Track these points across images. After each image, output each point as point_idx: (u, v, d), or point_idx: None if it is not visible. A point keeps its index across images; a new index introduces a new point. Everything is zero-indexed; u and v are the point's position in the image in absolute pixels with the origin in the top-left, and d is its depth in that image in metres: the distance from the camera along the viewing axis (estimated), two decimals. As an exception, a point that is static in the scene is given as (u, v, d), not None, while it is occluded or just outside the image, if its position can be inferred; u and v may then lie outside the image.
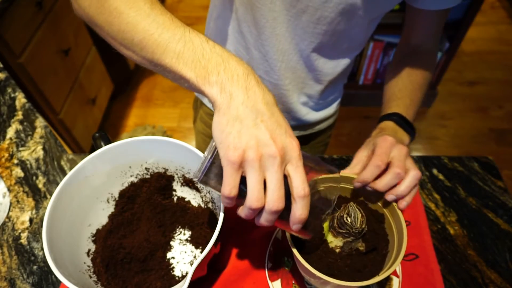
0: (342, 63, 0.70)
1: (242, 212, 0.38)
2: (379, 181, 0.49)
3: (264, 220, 0.38)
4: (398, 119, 0.61)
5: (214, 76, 0.36)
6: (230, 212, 0.62)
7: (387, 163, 0.50)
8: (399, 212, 0.49)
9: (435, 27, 0.69)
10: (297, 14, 0.59)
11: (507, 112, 2.02)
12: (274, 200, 0.36)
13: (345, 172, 0.53)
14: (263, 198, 0.36)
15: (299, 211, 0.37)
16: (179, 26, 0.39)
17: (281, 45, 0.65)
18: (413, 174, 0.49)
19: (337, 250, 0.48)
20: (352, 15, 0.59)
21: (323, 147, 0.95)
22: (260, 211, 0.38)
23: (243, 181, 0.36)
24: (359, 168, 0.53)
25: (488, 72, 2.21)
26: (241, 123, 0.35)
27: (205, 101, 0.87)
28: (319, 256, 0.47)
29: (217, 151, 0.37)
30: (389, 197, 0.49)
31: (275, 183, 0.35)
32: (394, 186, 0.49)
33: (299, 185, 0.36)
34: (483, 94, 2.11)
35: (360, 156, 0.54)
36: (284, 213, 0.38)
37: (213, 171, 0.40)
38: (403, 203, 0.49)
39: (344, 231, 0.46)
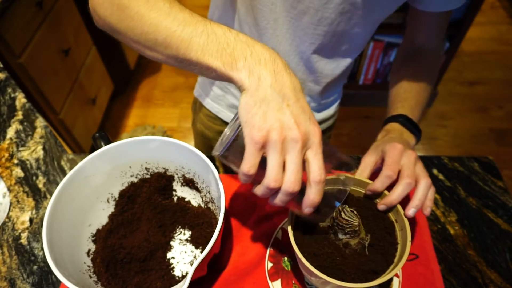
0: (342, 64, 0.70)
1: (258, 190, 0.40)
2: (391, 194, 0.49)
3: (278, 200, 0.39)
4: (404, 120, 0.61)
5: (241, 61, 0.37)
6: (230, 212, 0.62)
7: (398, 172, 0.50)
8: (402, 213, 0.49)
9: (439, 28, 0.69)
10: (297, 15, 0.59)
11: (507, 112, 2.02)
12: (291, 182, 0.37)
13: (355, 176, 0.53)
14: (281, 179, 0.37)
15: (313, 195, 0.38)
16: (200, 20, 0.40)
17: (281, 46, 0.65)
18: (424, 183, 0.49)
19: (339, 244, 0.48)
20: (353, 16, 0.59)
21: None
22: (276, 192, 0.39)
23: (262, 161, 0.38)
24: (367, 174, 0.53)
25: (488, 72, 2.21)
26: (268, 106, 0.36)
27: (205, 102, 0.87)
28: (321, 255, 0.47)
29: (240, 130, 0.38)
30: (411, 211, 0.48)
31: (294, 166, 0.37)
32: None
33: (316, 171, 0.37)
34: (483, 94, 2.11)
35: (368, 161, 0.54)
36: (299, 196, 0.39)
37: (233, 147, 0.41)
38: (411, 210, 0.49)
39: (343, 230, 0.47)
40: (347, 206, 0.47)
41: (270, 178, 0.37)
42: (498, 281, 0.55)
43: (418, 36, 0.71)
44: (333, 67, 0.70)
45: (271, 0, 0.59)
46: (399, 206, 0.49)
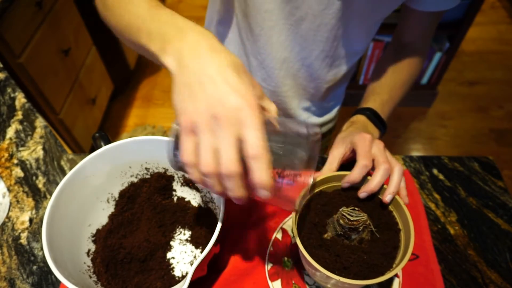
0: (343, 69, 0.70)
1: (192, 176, 0.36)
2: (372, 181, 0.50)
3: (230, 191, 0.35)
4: (370, 114, 0.62)
5: (171, 46, 0.36)
6: (230, 212, 0.62)
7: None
8: (407, 212, 0.48)
9: (428, 28, 0.68)
10: (296, 22, 0.59)
11: (507, 112, 2.02)
12: (224, 163, 0.33)
13: (324, 172, 0.54)
14: (214, 163, 0.33)
15: (256, 173, 0.33)
16: (159, 9, 0.41)
17: (278, 53, 0.64)
18: (397, 169, 0.50)
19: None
20: (353, 20, 0.59)
21: (322, 151, 0.95)
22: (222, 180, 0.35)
23: None
24: (336, 166, 0.54)
25: (488, 72, 2.20)
26: (190, 89, 0.34)
27: None
28: (324, 252, 0.47)
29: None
30: (387, 197, 0.49)
31: (224, 144, 0.32)
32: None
33: (250, 145, 0.32)
34: (483, 94, 2.11)
35: (336, 154, 0.54)
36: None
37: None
38: (388, 196, 0.49)
39: (356, 230, 0.47)
40: (345, 207, 0.47)
41: (200, 162, 0.33)
42: (498, 281, 0.55)
43: (406, 34, 0.70)
44: (335, 72, 0.70)
45: (264, 8, 0.58)
46: (401, 202, 0.49)
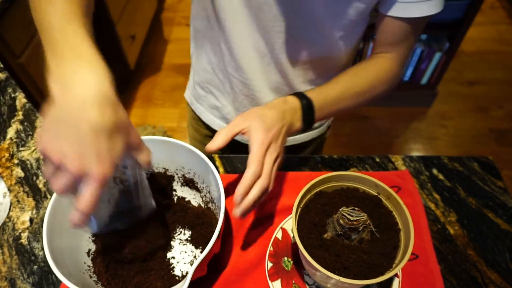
0: (318, 72, 0.68)
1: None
2: (245, 200, 0.47)
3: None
4: (306, 105, 0.57)
5: (55, 73, 0.38)
6: (230, 212, 0.62)
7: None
8: (407, 212, 0.49)
9: (398, 37, 0.61)
10: (255, 11, 0.58)
11: (507, 112, 2.02)
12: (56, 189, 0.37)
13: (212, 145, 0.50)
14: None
15: (75, 213, 0.37)
16: (69, 22, 0.41)
17: (242, 41, 0.63)
18: (260, 185, 0.48)
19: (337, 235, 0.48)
20: (312, 24, 0.59)
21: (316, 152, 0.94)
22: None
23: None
24: (222, 142, 0.50)
25: (488, 72, 2.21)
26: (57, 123, 0.36)
27: (191, 103, 0.87)
28: (324, 252, 0.48)
29: None
30: (234, 212, 0.48)
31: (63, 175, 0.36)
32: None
33: (82, 201, 0.36)
34: (483, 94, 2.11)
35: (230, 130, 0.50)
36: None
37: None
38: (233, 211, 0.48)
39: (356, 230, 0.47)
40: (345, 207, 0.47)
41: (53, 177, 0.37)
42: (498, 281, 0.55)
43: (375, 40, 0.65)
44: (305, 73, 0.68)
45: None
46: (402, 204, 0.49)
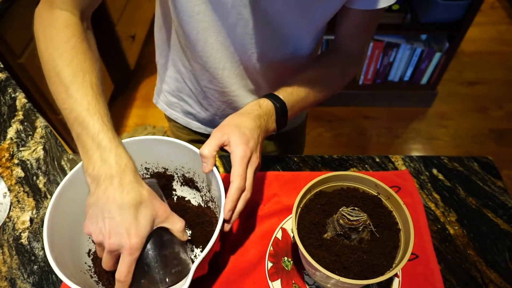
0: (289, 70, 0.69)
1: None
2: (225, 206, 0.49)
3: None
4: (279, 108, 0.58)
5: (91, 168, 0.44)
6: (230, 212, 0.62)
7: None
8: (407, 212, 0.49)
9: (359, 29, 0.63)
10: (231, 26, 0.58)
11: (507, 112, 2.02)
12: (106, 266, 0.45)
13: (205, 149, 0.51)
14: (112, 266, 0.45)
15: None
16: (98, 115, 0.46)
17: (218, 53, 0.63)
18: (243, 196, 0.50)
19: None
20: (287, 24, 0.59)
21: (300, 147, 0.94)
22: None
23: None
24: (211, 162, 0.51)
25: (488, 72, 2.21)
26: (96, 214, 0.43)
27: (163, 109, 0.86)
28: (324, 251, 0.48)
29: None
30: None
31: (106, 262, 0.45)
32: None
33: (120, 271, 0.43)
34: (483, 94, 2.11)
35: (211, 147, 0.51)
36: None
37: None
38: (227, 227, 0.50)
39: (356, 230, 0.47)
40: (345, 207, 0.47)
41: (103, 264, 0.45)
42: (498, 281, 0.55)
43: (338, 32, 0.65)
44: (280, 72, 0.68)
45: (195, 10, 0.56)
46: (402, 204, 0.49)
